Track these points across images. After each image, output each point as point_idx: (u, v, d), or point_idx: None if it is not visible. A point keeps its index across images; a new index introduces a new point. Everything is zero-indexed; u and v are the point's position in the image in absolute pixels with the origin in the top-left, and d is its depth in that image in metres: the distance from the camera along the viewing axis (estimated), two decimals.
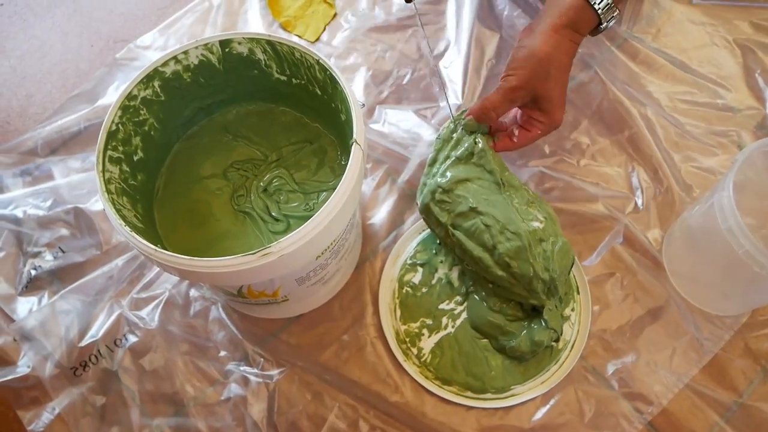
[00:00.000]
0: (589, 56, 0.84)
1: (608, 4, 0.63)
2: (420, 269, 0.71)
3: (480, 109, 0.64)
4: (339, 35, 0.89)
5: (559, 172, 0.76)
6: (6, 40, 0.94)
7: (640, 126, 0.78)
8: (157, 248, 0.50)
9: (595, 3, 0.63)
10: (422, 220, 0.69)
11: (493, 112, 0.64)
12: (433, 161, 0.67)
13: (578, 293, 0.69)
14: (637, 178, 0.76)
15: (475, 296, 0.68)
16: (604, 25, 0.65)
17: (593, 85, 0.82)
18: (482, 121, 0.65)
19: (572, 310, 0.68)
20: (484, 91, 0.83)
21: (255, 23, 0.91)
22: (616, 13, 0.65)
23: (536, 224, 0.61)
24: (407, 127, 0.80)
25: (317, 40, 0.90)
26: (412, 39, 0.88)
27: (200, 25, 0.91)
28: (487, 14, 0.88)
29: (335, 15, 0.92)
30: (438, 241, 0.72)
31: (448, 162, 0.65)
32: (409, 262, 0.71)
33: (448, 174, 0.64)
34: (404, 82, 0.84)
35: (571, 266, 0.64)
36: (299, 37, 0.90)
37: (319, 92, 0.62)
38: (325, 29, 0.91)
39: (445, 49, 0.87)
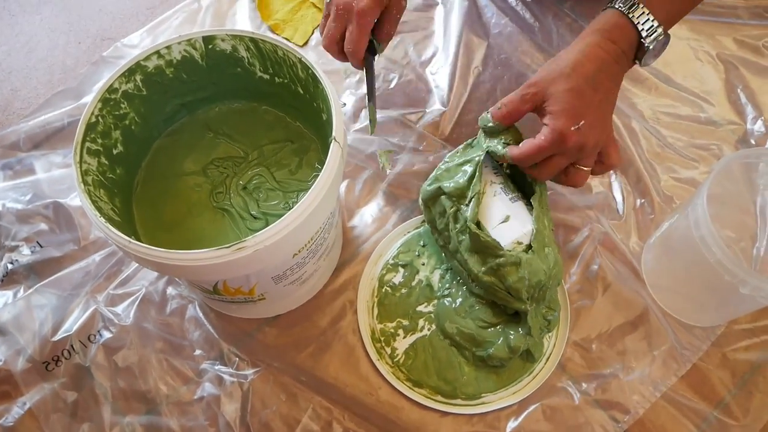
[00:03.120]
0: None
1: (644, 13, 0.57)
2: (401, 270, 0.71)
3: (497, 107, 0.61)
4: None
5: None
6: None
7: (623, 136, 0.79)
8: (131, 240, 0.49)
9: (627, 11, 0.58)
10: (413, 217, 0.70)
11: (506, 109, 0.61)
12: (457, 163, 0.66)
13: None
14: (619, 188, 0.76)
15: (445, 302, 0.68)
16: (648, 41, 0.57)
17: None
18: (499, 120, 0.62)
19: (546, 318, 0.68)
20: (471, 98, 0.83)
21: (243, 25, 0.91)
22: (659, 32, 0.57)
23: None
24: (392, 132, 0.80)
25: (306, 43, 0.90)
26: (400, 45, 0.88)
27: (188, 26, 0.91)
28: (475, 22, 0.89)
29: None
30: (422, 243, 0.72)
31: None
32: (391, 262, 0.71)
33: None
34: (390, 87, 0.85)
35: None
36: (287, 40, 0.90)
37: (301, 91, 0.62)
38: (313, 33, 0.91)
39: (433, 56, 0.87)
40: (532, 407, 0.65)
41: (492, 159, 0.65)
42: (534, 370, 0.66)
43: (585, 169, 0.60)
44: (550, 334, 0.68)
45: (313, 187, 0.50)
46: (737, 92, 0.83)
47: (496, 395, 0.65)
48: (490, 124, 0.63)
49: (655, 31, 0.57)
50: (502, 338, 0.64)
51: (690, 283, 0.67)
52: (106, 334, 0.68)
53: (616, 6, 0.59)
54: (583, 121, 0.56)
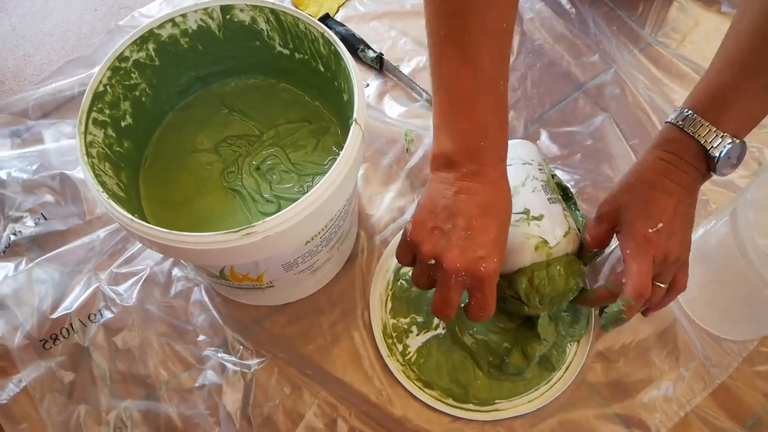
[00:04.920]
0: (609, 57, 0.80)
1: (703, 125, 0.53)
2: None
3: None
4: (353, 18, 0.86)
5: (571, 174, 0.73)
6: None
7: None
8: (133, 218, 0.46)
9: (683, 125, 0.54)
10: None
11: (589, 237, 0.59)
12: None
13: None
14: None
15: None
16: (715, 152, 0.52)
17: (612, 87, 0.78)
18: (591, 249, 0.60)
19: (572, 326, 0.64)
20: None
21: None
22: (727, 142, 0.52)
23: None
24: (414, 118, 0.77)
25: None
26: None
27: None
28: None
29: None
30: None
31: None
32: None
33: None
34: (416, 70, 0.81)
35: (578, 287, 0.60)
36: (312, 16, 0.86)
37: (322, 69, 0.58)
38: (338, 10, 0.87)
39: None
40: (549, 420, 0.62)
41: (539, 156, 0.61)
42: (552, 379, 0.62)
43: (662, 286, 0.56)
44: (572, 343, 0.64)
45: (330, 171, 0.47)
46: None
47: (511, 402, 0.62)
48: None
49: (722, 142, 0.52)
50: (517, 345, 0.61)
51: (724, 293, 0.63)
52: (107, 314, 0.66)
53: (671, 120, 0.55)
54: (661, 224, 0.54)
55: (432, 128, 0.52)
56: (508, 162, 0.54)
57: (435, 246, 0.50)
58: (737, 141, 0.52)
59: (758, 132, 0.76)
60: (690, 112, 0.54)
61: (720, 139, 0.52)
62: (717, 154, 0.52)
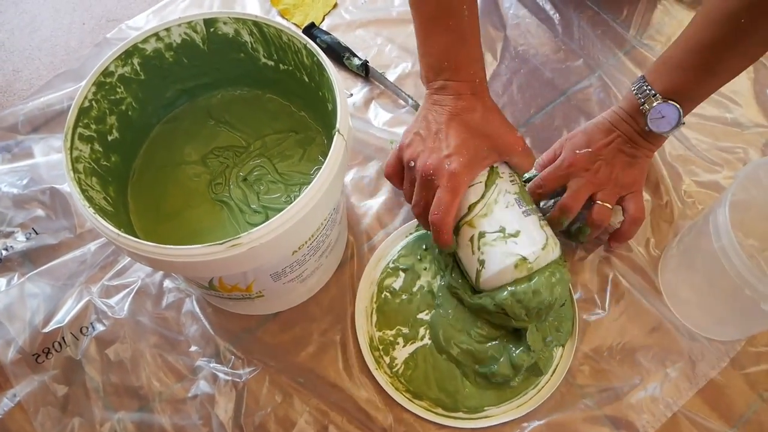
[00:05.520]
0: (593, 61, 0.81)
1: (644, 84, 0.63)
2: (402, 274, 0.67)
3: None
4: (339, 26, 0.87)
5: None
6: None
7: None
8: (119, 232, 0.47)
9: (632, 87, 0.64)
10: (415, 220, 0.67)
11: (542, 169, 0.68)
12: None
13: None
14: None
15: (440, 311, 0.65)
16: (643, 107, 0.62)
17: (596, 91, 0.79)
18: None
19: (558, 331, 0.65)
20: None
21: (252, 10, 0.88)
22: (655, 98, 0.61)
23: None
24: (401, 124, 0.77)
25: None
26: (414, 34, 0.85)
27: (195, 9, 0.88)
28: (492, 12, 0.85)
29: (335, 5, 0.89)
30: (425, 246, 0.68)
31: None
32: (391, 265, 0.68)
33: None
34: (401, 77, 0.81)
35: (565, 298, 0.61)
36: (297, 26, 0.87)
37: (306, 79, 0.59)
38: (324, 19, 0.88)
39: None
40: (537, 423, 0.62)
41: (509, 167, 0.63)
42: (539, 383, 0.63)
43: (607, 205, 0.64)
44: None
45: (314, 181, 0.47)
46: (766, 93, 0.79)
47: (500, 408, 0.62)
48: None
49: (649, 96, 0.62)
50: (504, 354, 0.61)
51: (710, 295, 0.63)
52: (99, 327, 0.66)
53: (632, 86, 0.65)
54: (589, 149, 0.65)
55: None
56: (478, 179, 0.59)
57: (413, 150, 0.60)
58: (671, 102, 0.61)
59: (742, 132, 0.77)
60: (642, 77, 0.64)
61: (653, 99, 0.61)
62: (647, 107, 0.62)
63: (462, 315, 0.63)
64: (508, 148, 0.60)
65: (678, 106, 0.61)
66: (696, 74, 0.60)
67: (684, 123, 0.61)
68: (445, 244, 0.59)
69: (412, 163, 0.60)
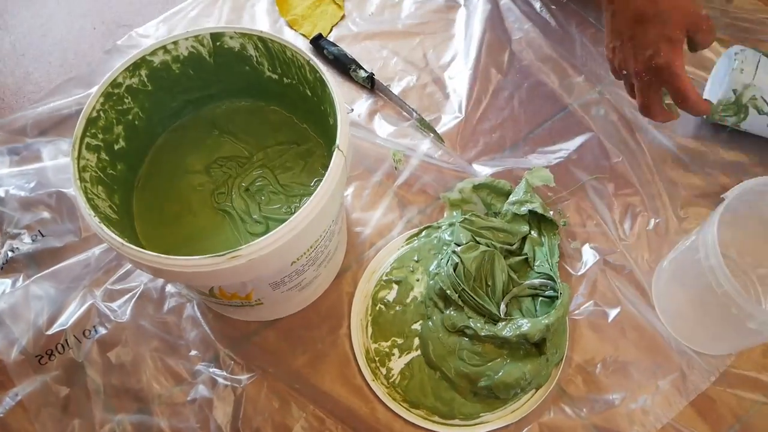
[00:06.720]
0: (595, 77, 0.82)
1: None
2: (395, 286, 0.69)
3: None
4: (346, 38, 0.88)
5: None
6: (9, 16, 0.93)
7: (642, 150, 0.76)
8: (124, 242, 0.48)
9: None
10: (422, 224, 0.71)
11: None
12: None
13: None
14: (632, 207, 0.74)
15: (429, 323, 0.66)
16: None
17: (597, 107, 0.80)
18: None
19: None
20: (491, 105, 0.81)
21: (261, 19, 0.90)
22: None
23: None
24: (404, 137, 0.78)
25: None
26: (419, 47, 0.86)
27: (205, 18, 0.89)
28: (497, 26, 0.86)
29: (343, 17, 0.90)
30: (416, 258, 0.70)
31: None
32: (384, 278, 0.69)
33: None
34: (406, 90, 0.82)
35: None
36: (305, 36, 0.88)
37: (309, 93, 0.60)
38: (332, 30, 0.89)
39: (452, 59, 0.85)
40: (526, 429, 0.63)
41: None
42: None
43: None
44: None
45: (313, 195, 0.49)
46: None
47: (495, 414, 0.63)
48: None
49: None
50: (503, 371, 0.62)
51: (700, 311, 0.64)
52: (102, 330, 0.67)
53: None
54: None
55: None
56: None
57: (619, 61, 0.65)
58: None
59: None
60: None
61: None
62: None
63: (449, 333, 0.65)
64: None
65: None
66: None
67: None
68: (707, 110, 0.64)
69: (625, 72, 0.65)
